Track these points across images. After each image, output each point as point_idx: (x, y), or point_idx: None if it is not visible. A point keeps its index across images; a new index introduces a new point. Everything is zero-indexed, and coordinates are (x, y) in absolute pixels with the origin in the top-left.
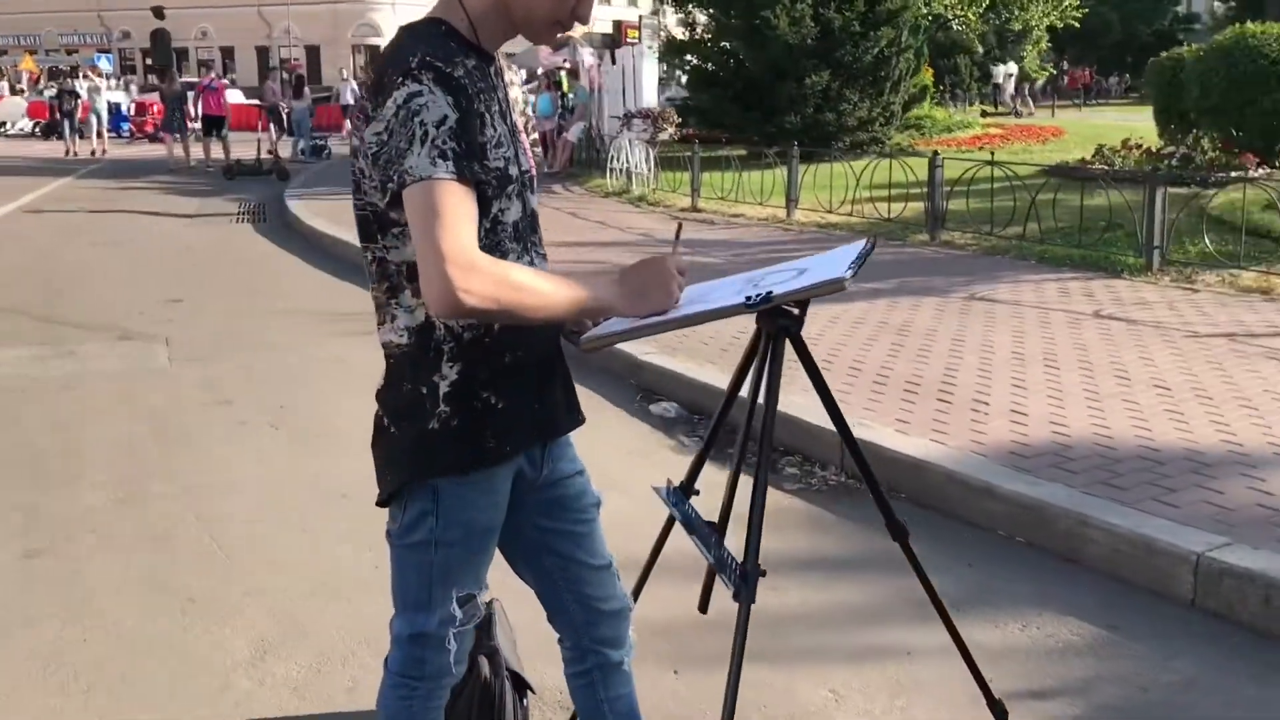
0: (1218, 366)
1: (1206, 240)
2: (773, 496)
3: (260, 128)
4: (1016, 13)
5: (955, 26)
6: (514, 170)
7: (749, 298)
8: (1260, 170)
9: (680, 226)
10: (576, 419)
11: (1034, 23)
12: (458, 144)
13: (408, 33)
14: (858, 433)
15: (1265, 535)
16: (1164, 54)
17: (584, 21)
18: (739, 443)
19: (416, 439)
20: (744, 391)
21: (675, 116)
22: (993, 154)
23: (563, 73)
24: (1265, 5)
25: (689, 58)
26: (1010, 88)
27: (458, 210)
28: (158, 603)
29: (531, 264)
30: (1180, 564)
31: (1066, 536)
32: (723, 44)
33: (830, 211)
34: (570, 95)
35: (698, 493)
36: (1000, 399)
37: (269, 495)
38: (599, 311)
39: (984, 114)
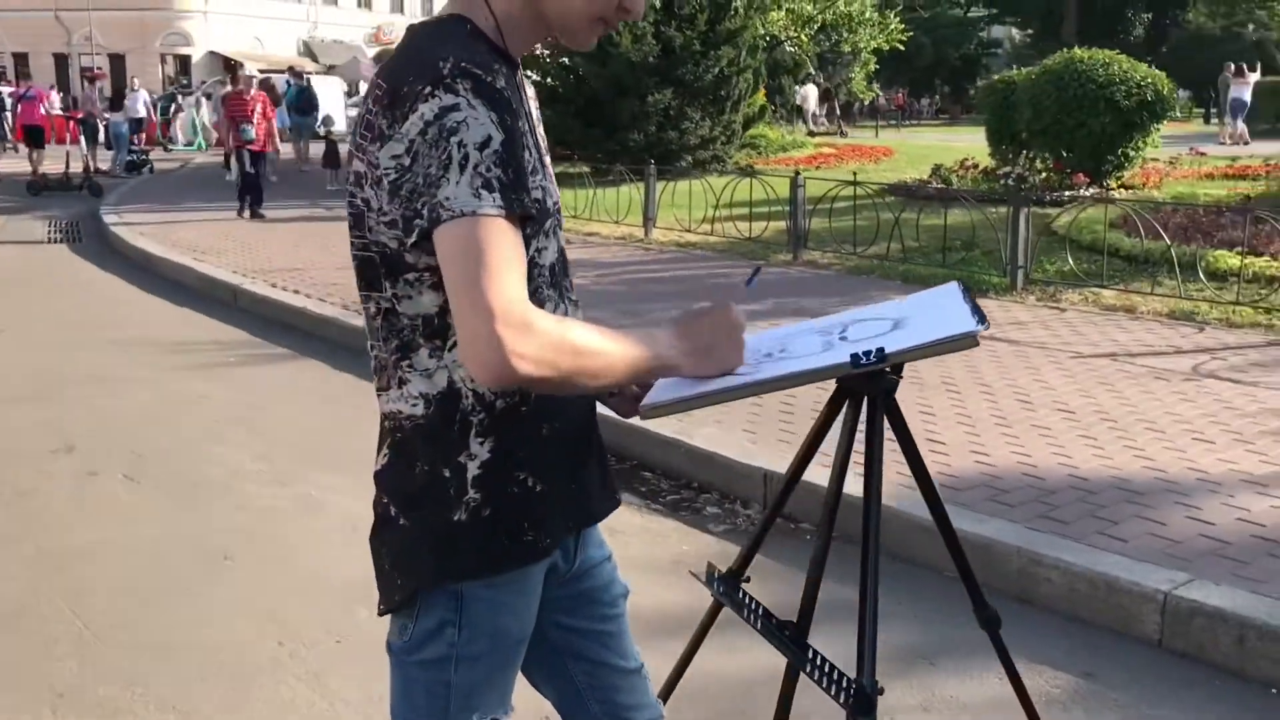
0: (1111, 388)
1: (1070, 260)
2: (700, 540)
3: (71, 139)
4: (846, 35)
5: (789, 48)
6: (550, 202)
7: (857, 355)
8: (1090, 189)
9: (759, 270)
10: (615, 499)
11: (862, 45)
12: (505, 171)
13: (427, 32)
14: (779, 471)
15: (1220, 569)
16: (996, 77)
17: (635, 16)
18: (824, 526)
19: (438, 533)
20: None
21: None
22: (855, 174)
23: None
24: (1060, 33)
25: (529, 73)
26: (813, 108)
27: (507, 255)
28: (14, 703)
29: (566, 313)
30: (1145, 603)
31: (1019, 576)
32: (563, 60)
33: (689, 230)
34: None
35: (748, 579)
36: (914, 426)
37: (138, 561)
38: (661, 373)
39: (811, 134)
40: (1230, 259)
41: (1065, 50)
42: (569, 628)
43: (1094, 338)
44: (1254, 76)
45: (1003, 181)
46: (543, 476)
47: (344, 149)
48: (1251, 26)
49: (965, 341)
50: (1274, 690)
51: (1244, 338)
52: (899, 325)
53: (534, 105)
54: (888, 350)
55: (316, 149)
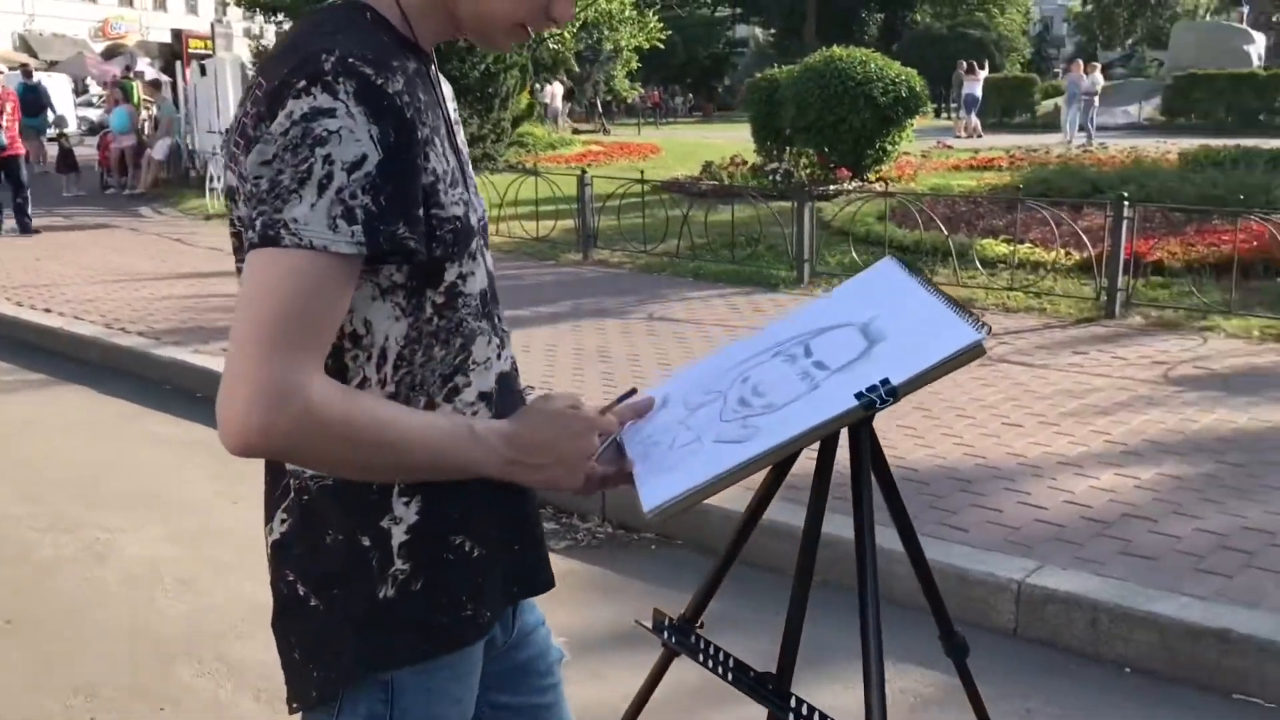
0: None
1: (853, 252)
2: None
3: None
4: (607, 33)
5: (552, 45)
6: (473, 218)
7: (867, 398)
8: (853, 184)
9: (633, 391)
10: (546, 580)
11: (624, 43)
12: (375, 199)
13: (316, 19)
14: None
15: (1062, 554)
16: (759, 74)
17: (561, 21)
18: (802, 569)
19: (359, 615)
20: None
21: None
22: (642, 172)
23: (135, 84)
24: (802, 33)
25: None
26: (558, 106)
27: (315, 307)
28: None
29: (501, 347)
30: (999, 593)
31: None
32: None
33: None
34: (156, 108)
35: (702, 625)
36: None
37: None
38: (468, 475)
39: (575, 131)
40: (998, 247)
41: (825, 49)
42: (504, 705)
43: None
44: (984, 73)
45: (771, 177)
46: (480, 539)
47: (83, 151)
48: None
49: (972, 354)
50: (1128, 670)
51: (1021, 322)
52: (871, 335)
53: (452, 105)
54: (895, 382)
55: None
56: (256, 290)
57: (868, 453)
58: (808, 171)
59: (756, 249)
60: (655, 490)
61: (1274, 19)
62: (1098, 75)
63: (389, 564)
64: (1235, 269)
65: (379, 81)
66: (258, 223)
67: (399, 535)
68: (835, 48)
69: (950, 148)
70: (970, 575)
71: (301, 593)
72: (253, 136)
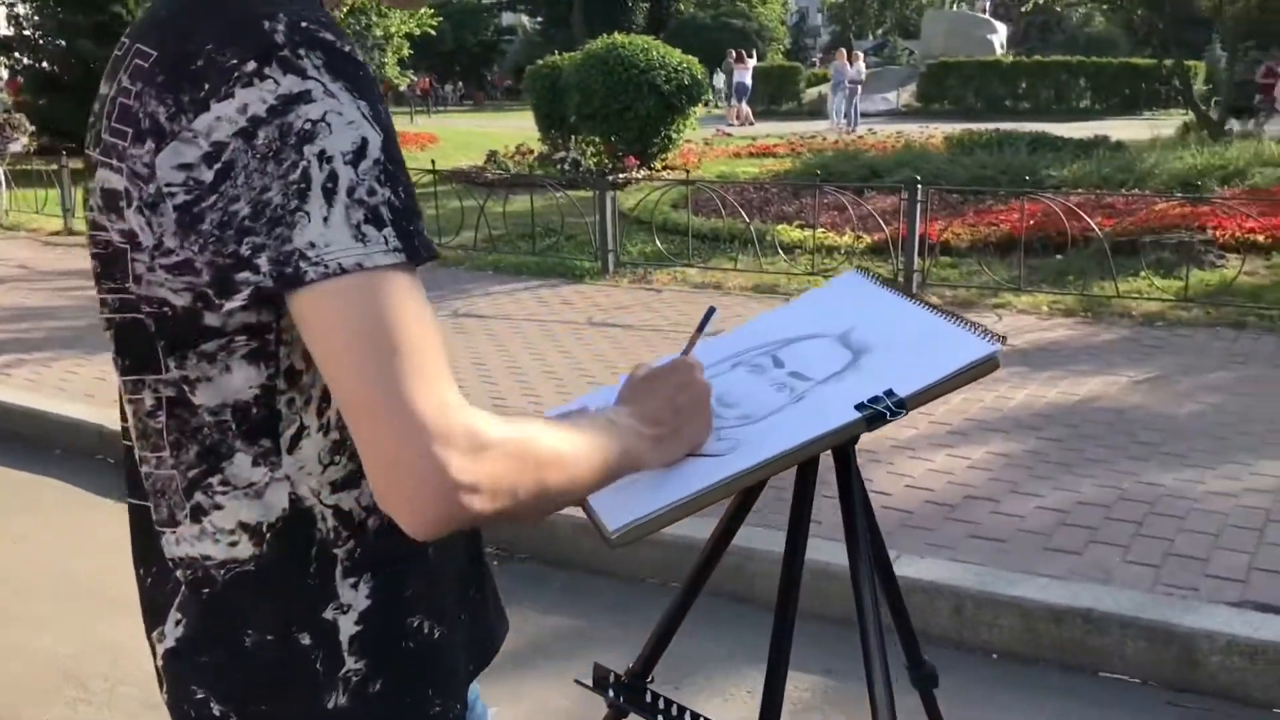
0: None
1: (657, 240)
2: None
3: None
4: (376, 19)
5: None
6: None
7: (869, 407)
8: (641, 172)
9: (712, 311)
10: (505, 619)
11: (394, 30)
12: (396, 193)
13: None
14: None
15: (914, 541)
16: (540, 61)
17: None
18: (783, 606)
19: None
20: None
21: (28, 124)
22: (434, 161)
23: None
24: (570, 21)
25: (19, 56)
26: None
27: (426, 330)
28: None
29: None
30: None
31: (735, 574)
32: (60, 41)
33: None
34: None
35: (652, 680)
36: None
37: None
38: (629, 472)
39: None
40: (793, 232)
41: (606, 36)
42: None
43: (699, 316)
44: (752, 62)
45: (559, 166)
46: (439, 616)
47: None
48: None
49: (986, 368)
50: (994, 655)
51: None
52: (853, 346)
53: None
54: (903, 394)
55: None
56: (338, 351)
57: (857, 472)
58: (595, 160)
59: (557, 240)
60: (620, 508)
61: (1022, 8)
62: (861, 64)
63: (338, 664)
64: (1022, 247)
65: (344, 48)
66: (263, 262)
67: (348, 627)
68: (617, 35)
69: (730, 135)
70: (829, 569)
71: (218, 713)
72: (161, 127)
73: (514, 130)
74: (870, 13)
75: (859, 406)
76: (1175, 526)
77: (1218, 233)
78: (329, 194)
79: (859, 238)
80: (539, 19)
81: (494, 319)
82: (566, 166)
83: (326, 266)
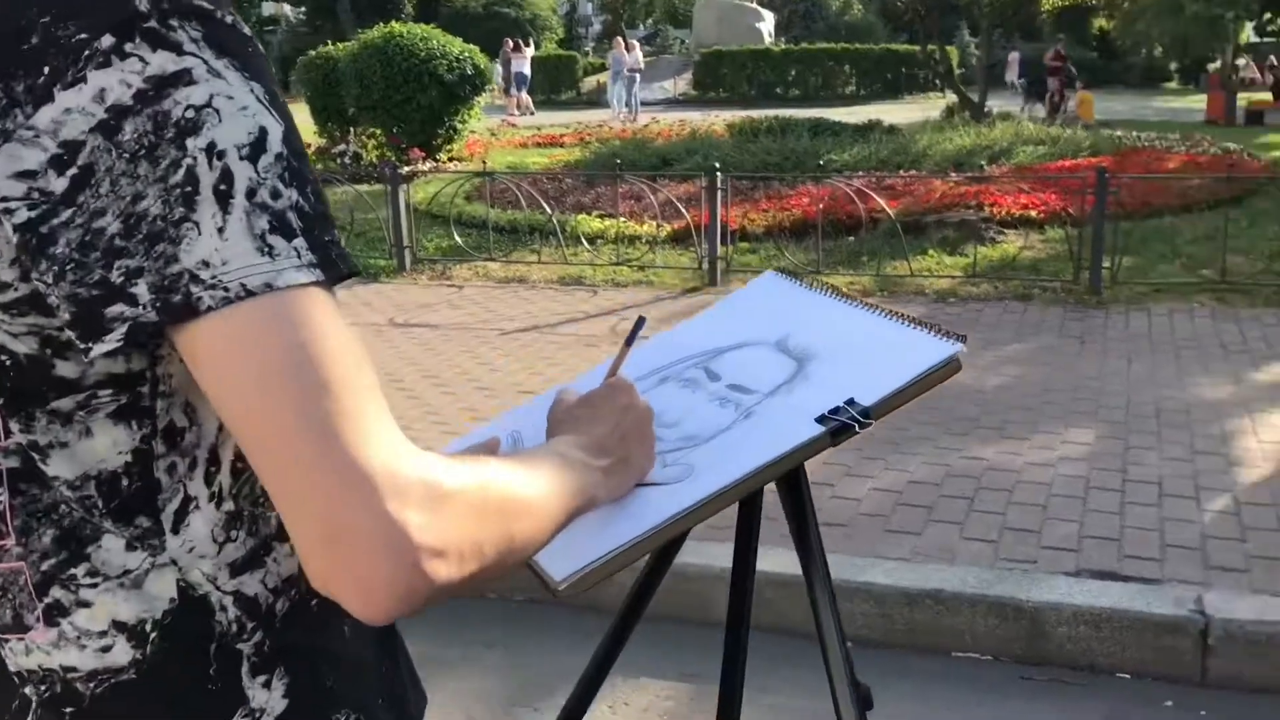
0: (554, 361)
1: (455, 235)
2: None
3: None
4: None
5: None
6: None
7: (832, 420)
8: (427, 164)
9: (641, 322)
10: (424, 696)
11: None
12: (304, 194)
13: None
14: None
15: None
16: (313, 51)
17: None
18: (735, 643)
19: None
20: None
21: None
22: None
23: None
24: (337, 11)
25: None
26: None
27: (357, 361)
28: None
29: None
30: (716, 584)
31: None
32: None
33: None
34: None
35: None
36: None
37: None
38: (585, 510)
39: None
40: (593, 222)
41: (382, 25)
42: None
43: (507, 312)
44: (530, 51)
45: (339, 160)
46: (365, 707)
47: None
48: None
49: (948, 370)
50: (850, 643)
51: (634, 296)
52: (794, 354)
53: None
54: (866, 403)
55: None
56: (250, 396)
57: (808, 491)
58: (377, 153)
59: (347, 237)
60: (564, 551)
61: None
62: (638, 52)
63: None
64: (819, 231)
65: (227, 18)
66: (141, 290)
67: None
68: (395, 24)
69: (515, 125)
70: (687, 570)
71: None
72: None
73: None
74: (640, 2)
75: (821, 419)
76: (1005, 500)
77: (995, 210)
78: (223, 198)
79: (660, 226)
80: (302, 9)
81: None
82: (347, 160)
83: (226, 290)
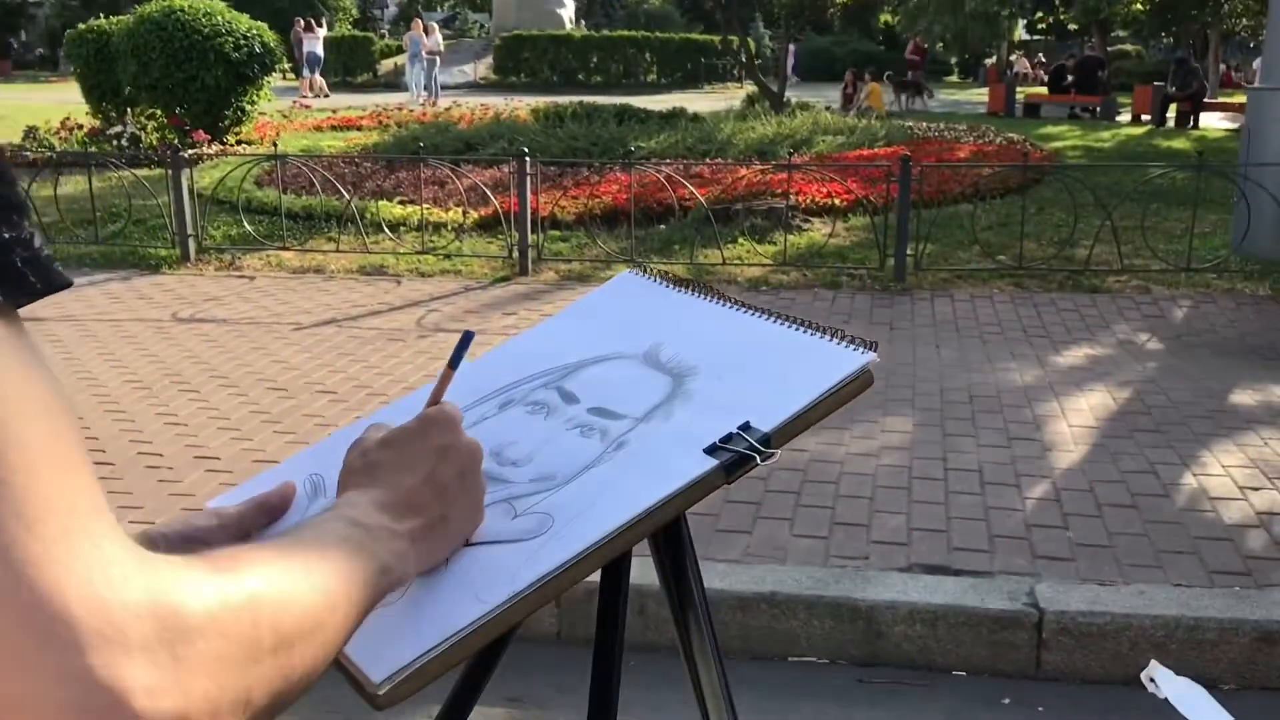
0: (356, 357)
1: (245, 222)
2: None
3: None
4: None
5: None
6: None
7: (726, 450)
8: (213, 147)
9: (468, 338)
10: None
11: None
12: None
13: None
14: None
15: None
16: (82, 25)
17: None
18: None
19: None
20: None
21: None
22: None
23: None
24: None
25: None
26: None
27: (52, 423)
28: None
29: None
30: None
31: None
32: None
33: None
34: None
35: None
36: (213, 440)
37: None
38: (390, 592)
39: None
40: (395, 209)
41: None
42: None
43: (303, 304)
44: (323, 31)
45: (115, 143)
46: None
47: None
48: None
49: (858, 384)
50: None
51: (441, 286)
52: (668, 368)
53: None
54: (766, 428)
55: None
56: None
57: (689, 540)
58: (158, 135)
59: (125, 226)
60: (384, 647)
61: None
62: (438, 35)
63: None
64: (632, 218)
65: None
66: None
67: None
68: None
69: (309, 108)
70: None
71: None
72: None
73: (55, 104)
74: None
75: (711, 450)
76: (832, 493)
77: (800, 198)
78: None
79: (466, 213)
80: None
81: (55, 321)
82: (125, 143)
83: None
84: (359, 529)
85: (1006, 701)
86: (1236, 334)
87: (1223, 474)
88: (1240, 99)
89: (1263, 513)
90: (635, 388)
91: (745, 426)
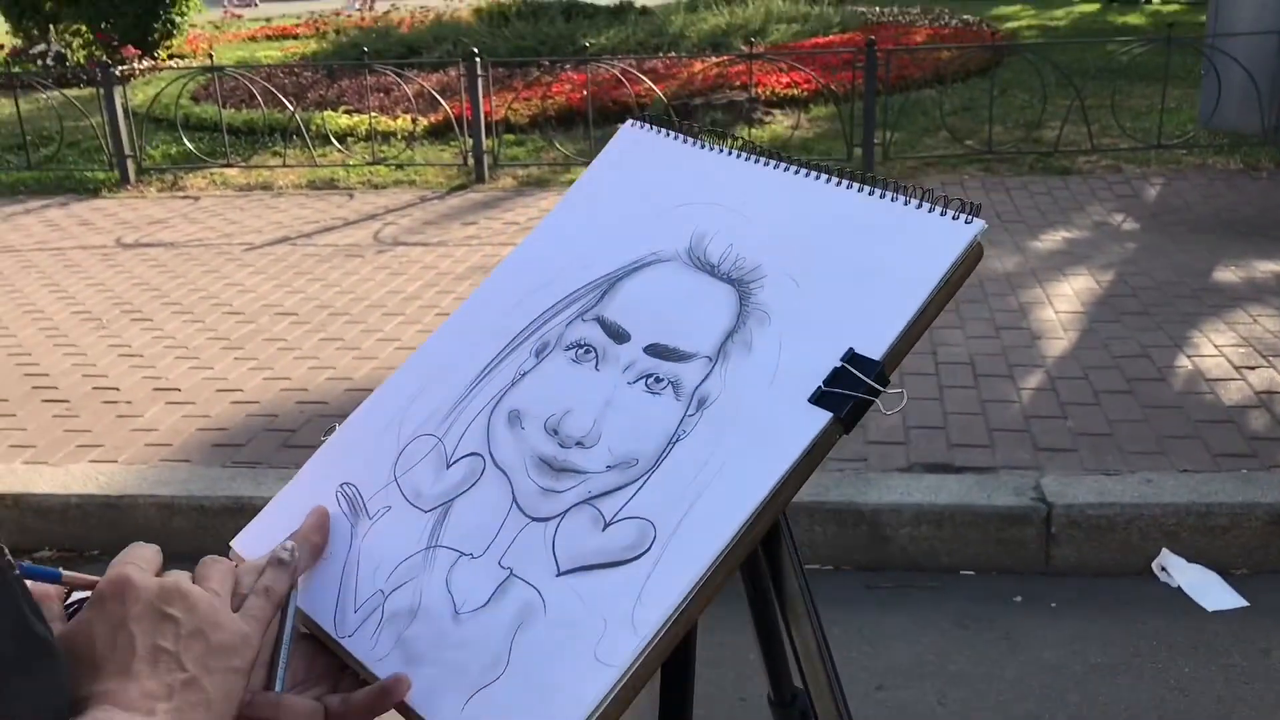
0: (315, 276)
1: (185, 139)
2: None
3: None
4: None
5: None
6: None
7: (836, 393)
8: (145, 62)
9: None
10: None
11: None
12: None
13: None
14: None
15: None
16: None
17: None
18: None
19: None
20: None
21: None
22: None
23: None
24: None
25: None
26: None
27: None
28: None
29: None
30: None
31: None
32: None
33: None
34: None
35: None
36: (172, 370)
37: None
38: None
39: None
40: (341, 119)
41: None
42: None
43: (252, 223)
44: None
45: (39, 63)
46: None
47: None
48: None
49: (969, 263)
50: None
51: (396, 198)
52: (726, 270)
53: None
54: (877, 354)
55: None
56: None
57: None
58: (85, 53)
59: (58, 149)
60: None
61: None
62: None
63: None
64: (590, 118)
65: None
66: None
67: None
68: None
69: (240, 17)
70: None
71: None
72: None
73: None
74: None
75: (818, 398)
76: None
77: (760, 89)
78: None
79: (416, 120)
80: None
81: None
82: (50, 62)
83: None
84: None
85: (1018, 599)
86: (1211, 210)
87: (1216, 354)
88: None
89: (1262, 392)
90: (692, 307)
91: (851, 357)
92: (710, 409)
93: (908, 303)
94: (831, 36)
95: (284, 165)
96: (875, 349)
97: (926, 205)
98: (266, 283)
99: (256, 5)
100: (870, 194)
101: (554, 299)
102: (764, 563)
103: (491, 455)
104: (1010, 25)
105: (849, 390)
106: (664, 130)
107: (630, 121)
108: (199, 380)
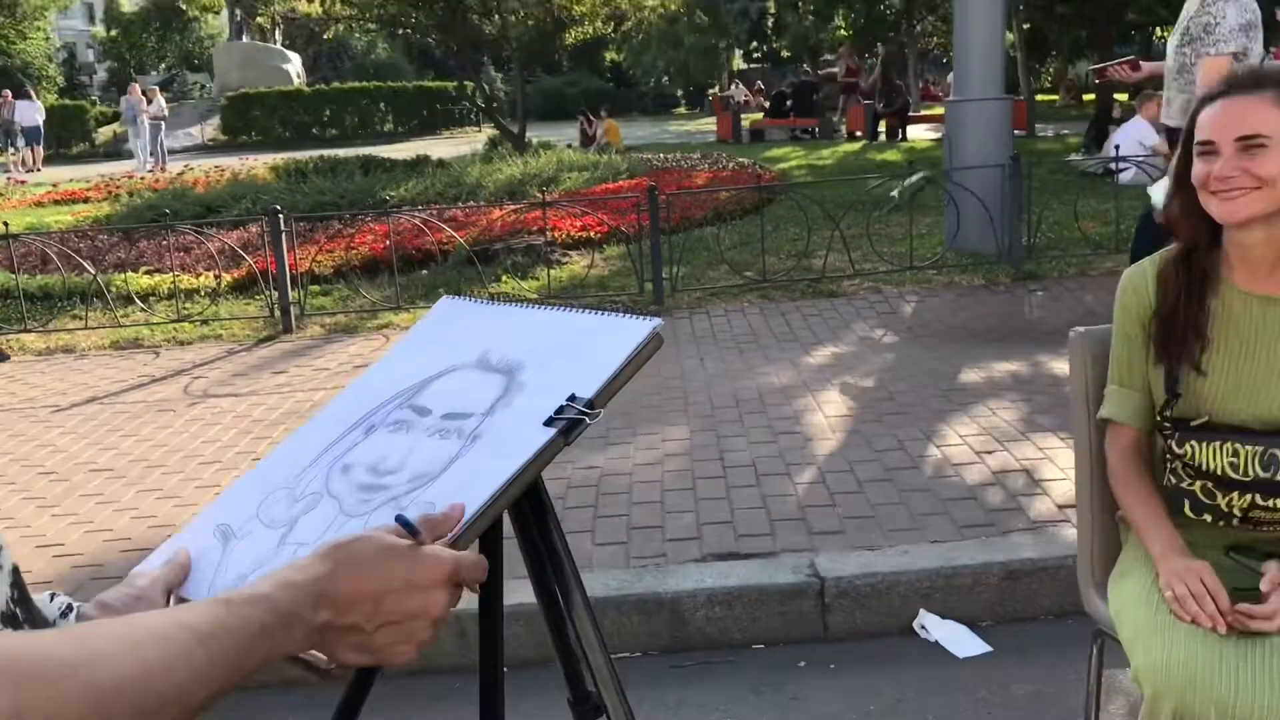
0: (128, 433)
1: None
2: None
3: None
4: None
5: None
6: None
7: (558, 419)
8: None
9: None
10: None
11: None
12: None
13: None
14: None
15: None
16: None
17: None
18: None
19: None
20: None
21: None
22: None
23: None
24: None
25: None
26: None
27: None
28: None
29: None
30: None
31: None
32: None
33: None
34: None
35: None
36: None
37: None
38: (271, 654)
39: None
40: (142, 279)
41: None
42: None
43: (56, 386)
44: (40, 101)
45: None
46: None
47: None
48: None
49: (653, 347)
50: (506, 669)
51: (203, 352)
52: (499, 368)
53: None
54: (588, 394)
55: None
56: None
57: (548, 496)
58: None
59: None
60: None
61: (324, 36)
62: (160, 100)
63: None
64: (394, 266)
65: None
66: None
67: None
68: None
69: (25, 183)
70: None
71: None
72: None
73: None
74: (149, 46)
75: (549, 421)
76: (625, 502)
77: (556, 233)
78: None
79: (219, 276)
80: None
81: None
82: None
83: None
84: (235, 606)
85: (802, 664)
86: (959, 321)
87: (960, 443)
88: (940, 110)
89: (998, 472)
90: (476, 390)
91: (572, 398)
92: (480, 440)
93: (610, 367)
94: (620, 182)
95: (85, 328)
96: (588, 392)
97: (624, 314)
98: (78, 442)
99: (39, 170)
100: (590, 313)
101: (380, 400)
102: (545, 556)
103: (328, 489)
104: (781, 166)
105: (568, 416)
106: (470, 297)
107: (448, 295)
108: (16, 539)
